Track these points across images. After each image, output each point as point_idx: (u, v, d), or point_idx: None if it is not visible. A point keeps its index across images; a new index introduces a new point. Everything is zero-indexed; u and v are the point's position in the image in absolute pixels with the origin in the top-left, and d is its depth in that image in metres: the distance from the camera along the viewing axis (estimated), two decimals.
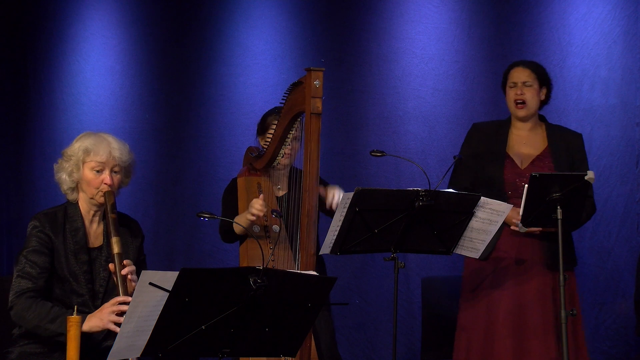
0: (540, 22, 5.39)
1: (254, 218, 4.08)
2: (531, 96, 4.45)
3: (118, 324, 3.46)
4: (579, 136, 4.53)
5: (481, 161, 4.43)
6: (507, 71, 4.53)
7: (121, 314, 3.48)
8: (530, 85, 4.45)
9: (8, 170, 6.17)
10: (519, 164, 4.42)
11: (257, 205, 4.08)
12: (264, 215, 4.12)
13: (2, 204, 6.14)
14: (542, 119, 4.57)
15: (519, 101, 4.43)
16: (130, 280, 3.58)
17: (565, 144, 4.46)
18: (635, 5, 5.21)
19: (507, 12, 5.46)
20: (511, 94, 4.46)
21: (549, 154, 4.43)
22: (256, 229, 4.18)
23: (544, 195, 4.04)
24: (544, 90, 4.51)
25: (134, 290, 3.53)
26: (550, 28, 5.37)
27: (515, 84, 4.46)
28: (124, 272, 3.56)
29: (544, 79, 4.51)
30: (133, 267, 3.62)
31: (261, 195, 4.15)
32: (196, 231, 5.84)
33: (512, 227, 4.27)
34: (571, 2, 5.34)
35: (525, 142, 4.48)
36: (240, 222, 4.13)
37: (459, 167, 4.48)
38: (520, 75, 4.47)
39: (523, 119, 4.48)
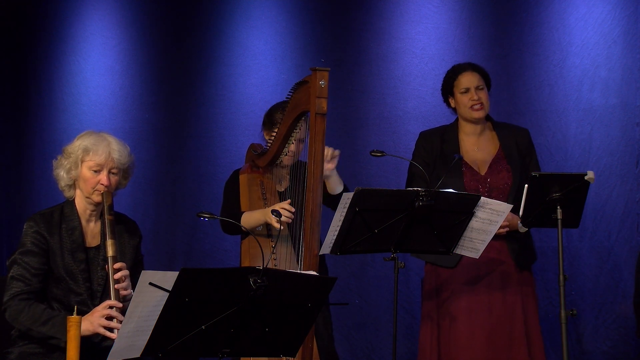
0: (540, 22, 5.39)
1: (278, 226, 4.06)
2: (485, 98, 4.45)
3: (109, 329, 3.47)
4: (525, 132, 4.53)
5: (435, 170, 4.41)
6: (454, 77, 4.48)
7: (111, 318, 3.49)
8: (483, 89, 4.46)
9: (8, 170, 6.17)
10: (477, 170, 4.41)
11: (287, 207, 4.07)
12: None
13: (2, 204, 6.14)
14: (488, 118, 4.56)
15: (476, 105, 4.42)
16: (121, 288, 3.58)
17: (514, 142, 4.46)
18: (635, 5, 5.21)
19: (507, 12, 5.45)
20: (465, 100, 4.43)
21: (503, 156, 4.42)
22: (259, 227, 4.18)
23: (544, 195, 4.04)
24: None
25: (123, 297, 3.54)
26: (550, 28, 5.36)
27: (468, 89, 4.43)
28: (116, 276, 3.56)
29: (488, 81, 4.51)
30: (126, 272, 3.61)
31: (289, 200, 4.14)
32: (196, 231, 5.84)
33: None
34: (571, 2, 5.34)
35: (477, 147, 4.47)
36: (253, 217, 4.13)
37: (414, 177, 4.45)
38: (472, 80, 4.45)
39: (478, 121, 4.47)
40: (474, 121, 4.46)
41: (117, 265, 3.60)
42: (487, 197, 4.22)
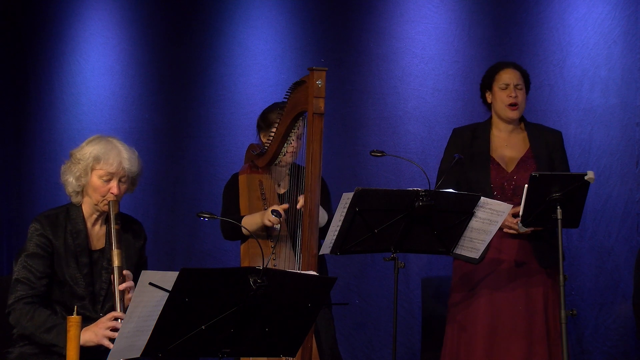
0: (540, 22, 5.39)
1: (270, 224, 4.08)
2: (522, 98, 4.47)
3: (112, 340, 3.45)
4: (557, 134, 4.54)
5: (463, 166, 4.42)
6: (495, 72, 4.51)
7: (116, 329, 3.45)
8: (522, 89, 4.47)
9: (8, 170, 6.16)
10: (504, 167, 4.42)
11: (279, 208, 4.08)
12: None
13: (2, 204, 6.14)
14: (521, 118, 4.57)
15: (513, 103, 4.43)
16: (127, 299, 3.55)
17: (544, 144, 4.47)
18: (635, 5, 5.22)
19: (507, 12, 5.46)
20: (503, 96, 4.45)
21: (531, 156, 4.43)
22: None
23: (544, 195, 4.04)
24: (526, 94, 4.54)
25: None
26: (550, 28, 5.37)
27: (507, 86, 4.45)
28: (121, 287, 3.53)
29: (528, 83, 4.53)
30: (131, 283, 3.57)
31: (285, 205, 4.14)
32: (196, 231, 5.84)
33: (504, 230, 4.27)
34: (571, 2, 5.34)
35: (507, 144, 4.48)
36: (252, 221, 4.13)
37: (442, 173, 4.46)
38: (512, 77, 4.47)
39: (512, 121, 4.48)
40: (508, 120, 4.47)
41: (125, 273, 3.57)
42: (512, 194, 4.24)
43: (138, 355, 2.95)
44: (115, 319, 3.48)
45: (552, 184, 4.03)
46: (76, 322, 3.16)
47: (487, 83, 4.53)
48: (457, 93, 5.52)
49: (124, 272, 3.56)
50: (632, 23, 5.21)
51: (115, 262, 3.56)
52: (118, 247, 3.58)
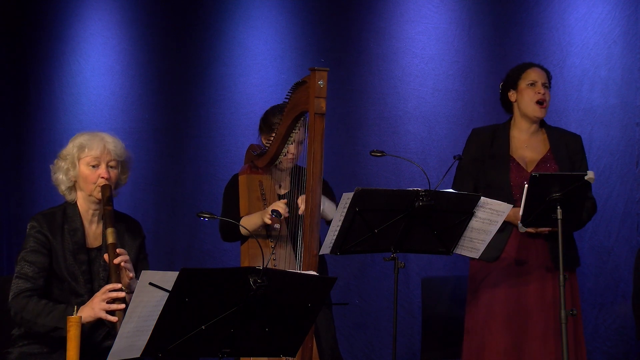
0: (540, 22, 5.40)
1: (269, 222, 4.07)
2: (549, 98, 4.45)
3: (110, 312, 3.47)
4: (578, 138, 4.53)
5: (483, 166, 4.43)
6: (522, 70, 4.48)
7: (112, 301, 3.48)
8: (548, 87, 4.46)
9: (8, 170, 6.17)
10: (524, 167, 4.41)
11: (283, 206, 4.07)
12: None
13: (2, 204, 6.14)
14: (541, 121, 4.56)
15: (541, 100, 4.42)
16: (123, 268, 3.57)
17: (565, 147, 4.46)
18: (635, 5, 5.22)
19: (507, 12, 5.46)
20: (531, 93, 4.42)
21: (552, 158, 4.43)
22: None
23: (544, 195, 4.04)
24: None
25: (129, 279, 3.53)
26: (550, 28, 5.37)
27: (535, 83, 4.42)
28: (116, 261, 3.55)
29: (550, 85, 4.53)
30: (126, 257, 3.60)
31: (284, 200, 4.14)
32: (196, 231, 5.84)
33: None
34: (571, 2, 5.34)
35: (527, 146, 4.47)
36: (251, 221, 4.13)
37: (461, 172, 4.47)
38: (540, 75, 4.45)
39: (537, 120, 4.47)
40: (533, 119, 4.45)
41: (118, 251, 3.59)
42: None
43: (138, 355, 2.96)
44: (110, 291, 3.49)
45: (552, 184, 4.03)
46: (76, 322, 3.16)
47: (512, 81, 4.49)
48: (457, 93, 5.52)
49: (117, 250, 3.58)
50: (632, 23, 5.22)
51: (109, 240, 3.59)
52: (111, 226, 3.61)
